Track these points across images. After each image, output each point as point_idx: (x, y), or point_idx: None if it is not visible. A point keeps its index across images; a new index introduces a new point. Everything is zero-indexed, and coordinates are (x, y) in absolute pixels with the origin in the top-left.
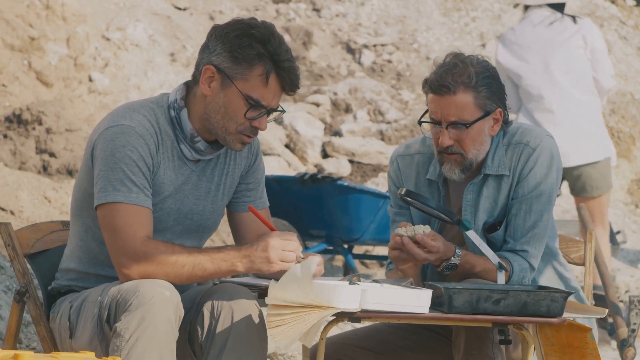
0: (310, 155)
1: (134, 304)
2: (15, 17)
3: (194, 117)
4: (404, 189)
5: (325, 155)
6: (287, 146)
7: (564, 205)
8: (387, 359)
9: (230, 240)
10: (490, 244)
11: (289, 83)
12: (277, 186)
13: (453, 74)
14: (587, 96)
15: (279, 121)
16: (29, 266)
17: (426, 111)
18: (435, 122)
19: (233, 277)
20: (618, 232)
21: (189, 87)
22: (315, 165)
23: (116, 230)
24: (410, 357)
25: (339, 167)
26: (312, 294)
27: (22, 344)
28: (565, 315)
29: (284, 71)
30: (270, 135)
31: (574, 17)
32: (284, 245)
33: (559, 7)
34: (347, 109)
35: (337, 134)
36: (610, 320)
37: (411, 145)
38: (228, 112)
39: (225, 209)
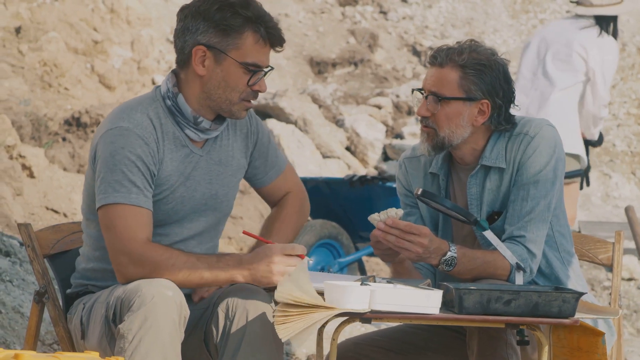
0: (371, 158)
1: (136, 304)
2: (79, 20)
3: (191, 100)
4: (420, 189)
5: (386, 157)
6: (347, 149)
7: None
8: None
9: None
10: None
11: (277, 38)
12: (327, 188)
13: (449, 49)
14: (557, 93)
15: (339, 124)
16: (49, 267)
17: None
18: (420, 90)
19: None
20: None
21: (177, 74)
22: (376, 168)
23: (116, 231)
24: (431, 357)
25: None
26: (313, 292)
27: (57, 344)
28: (577, 316)
29: (271, 29)
30: (330, 138)
31: (605, 32)
32: (287, 262)
33: (605, 21)
34: (409, 112)
35: (399, 136)
36: None
37: (417, 148)
38: (229, 84)
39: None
